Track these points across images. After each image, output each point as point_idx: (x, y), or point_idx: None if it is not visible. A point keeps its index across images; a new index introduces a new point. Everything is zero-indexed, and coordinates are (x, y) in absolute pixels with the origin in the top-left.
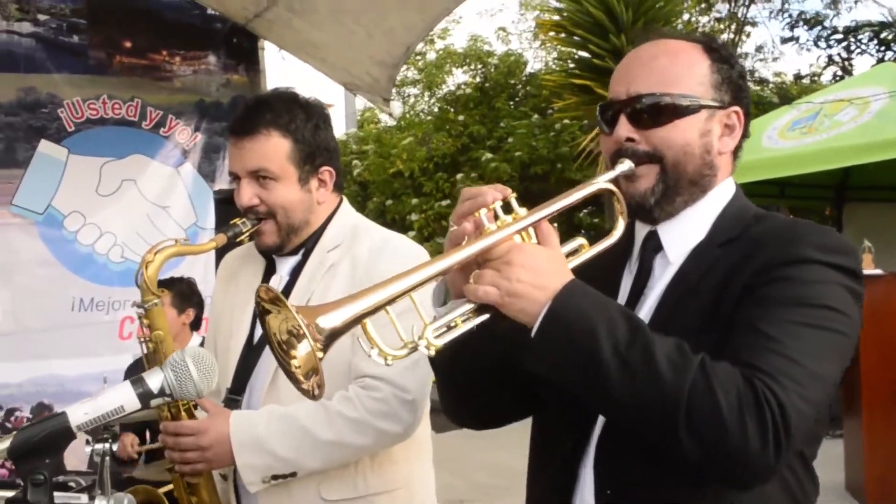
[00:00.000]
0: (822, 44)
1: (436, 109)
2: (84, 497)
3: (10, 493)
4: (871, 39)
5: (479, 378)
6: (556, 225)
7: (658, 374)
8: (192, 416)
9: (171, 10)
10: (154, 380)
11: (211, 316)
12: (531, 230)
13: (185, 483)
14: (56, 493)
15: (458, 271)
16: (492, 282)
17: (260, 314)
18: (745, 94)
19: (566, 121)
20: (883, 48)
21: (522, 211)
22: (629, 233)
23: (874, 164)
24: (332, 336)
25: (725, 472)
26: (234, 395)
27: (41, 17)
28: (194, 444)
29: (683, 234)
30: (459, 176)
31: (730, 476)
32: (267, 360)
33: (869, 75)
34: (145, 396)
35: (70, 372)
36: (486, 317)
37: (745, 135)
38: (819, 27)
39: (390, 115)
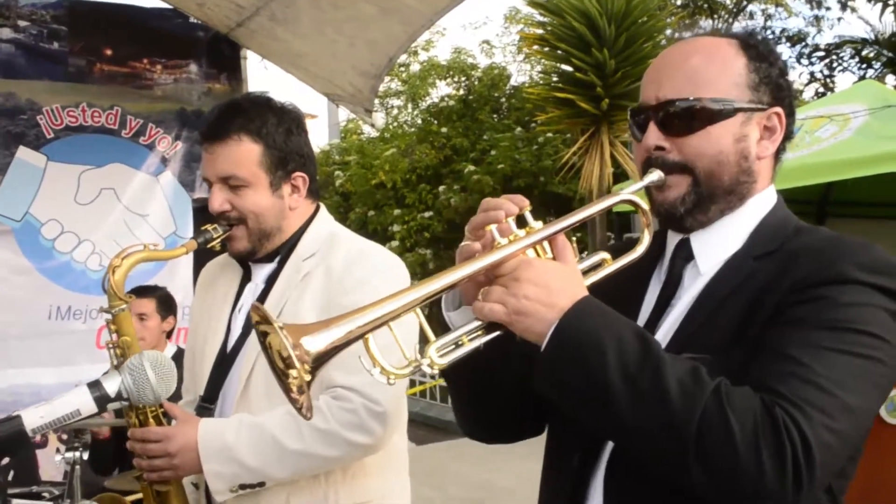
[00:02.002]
0: (805, 61)
1: (419, 121)
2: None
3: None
4: (852, 57)
5: (492, 392)
6: (574, 239)
7: (668, 399)
8: (160, 423)
9: (153, 18)
10: (111, 384)
11: (190, 323)
12: (546, 245)
13: (154, 491)
14: (20, 501)
15: (470, 284)
16: (499, 299)
17: (261, 336)
18: (786, 93)
19: (549, 134)
20: (864, 65)
21: (538, 224)
22: (661, 239)
23: (854, 180)
24: (321, 358)
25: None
26: (207, 404)
27: (21, 23)
28: (162, 451)
29: (717, 244)
30: (442, 188)
31: None
32: (239, 368)
33: (850, 92)
34: (102, 400)
35: (47, 380)
36: (494, 335)
37: (788, 136)
38: (801, 44)
39: (372, 125)
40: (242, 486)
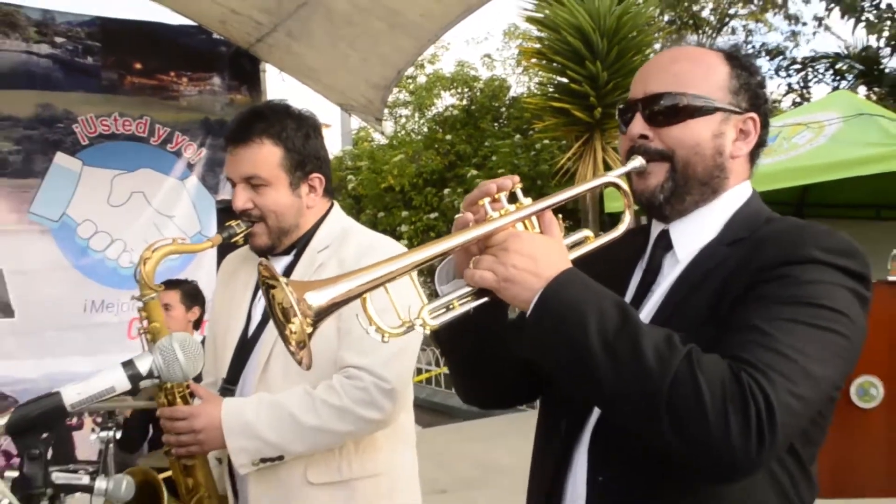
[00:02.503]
0: (783, 73)
1: (425, 129)
2: (85, 477)
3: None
4: (827, 69)
5: (487, 359)
6: (560, 216)
7: (643, 363)
8: (187, 402)
9: (179, 34)
10: (143, 363)
11: (211, 312)
12: (535, 220)
13: (182, 465)
14: (60, 473)
15: (462, 254)
16: (489, 267)
17: (265, 289)
18: (763, 103)
19: (546, 141)
20: (838, 77)
21: (527, 201)
22: (646, 234)
23: (829, 183)
24: (322, 312)
25: (706, 464)
26: (229, 385)
27: (58, 40)
28: (188, 428)
29: (693, 233)
30: (446, 191)
31: (711, 469)
32: (259, 352)
33: (824, 102)
34: (135, 378)
35: (82, 368)
36: (482, 301)
37: (762, 142)
38: (780, 58)
39: (382, 133)
40: (263, 460)
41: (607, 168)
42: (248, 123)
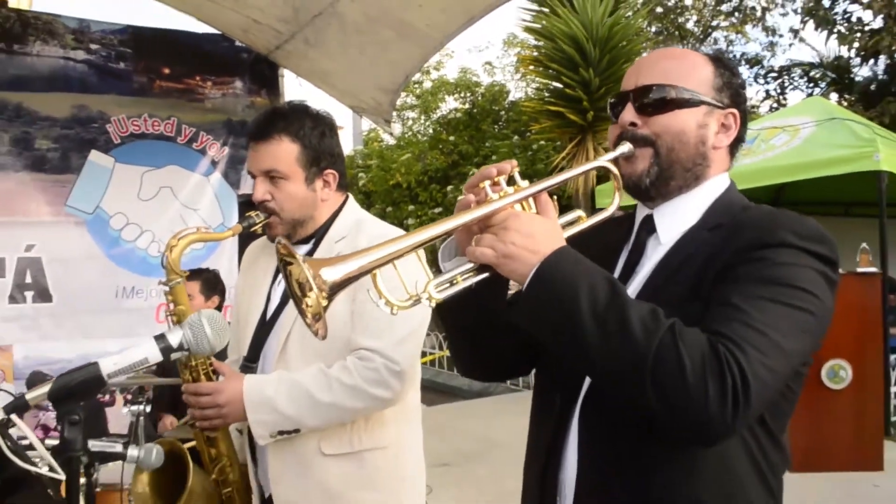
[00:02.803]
0: (761, 80)
1: (430, 131)
2: (118, 446)
3: None
4: (801, 77)
5: (486, 333)
6: (555, 198)
7: (630, 333)
8: (210, 379)
9: (204, 42)
10: (174, 336)
11: (234, 296)
12: (531, 201)
13: (206, 437)
14: (95, 442)
15: (464, 233)
16: (489, 244)
17: (283, 266)
18: (743, 101)
19: (542, 142)
20: (812, 85)
21: (525, 184)
22: (631, 221)
23: (803, 182)
24: (336, 287)
25: (686, 428)
26: (250, 363)
27: (93, 47)
28: (212, 402)
29: (676, 218)
30: (450, 188)
31: (690, 432)
32: (278, 333)
33: (799, 107)
34: (166, 350)
35: (114, 349)
36: (484, 276)
37: (741, 137)
38: (758, 66)
39: (391, 134)
40: (280, 433)
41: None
42: (269, 122)
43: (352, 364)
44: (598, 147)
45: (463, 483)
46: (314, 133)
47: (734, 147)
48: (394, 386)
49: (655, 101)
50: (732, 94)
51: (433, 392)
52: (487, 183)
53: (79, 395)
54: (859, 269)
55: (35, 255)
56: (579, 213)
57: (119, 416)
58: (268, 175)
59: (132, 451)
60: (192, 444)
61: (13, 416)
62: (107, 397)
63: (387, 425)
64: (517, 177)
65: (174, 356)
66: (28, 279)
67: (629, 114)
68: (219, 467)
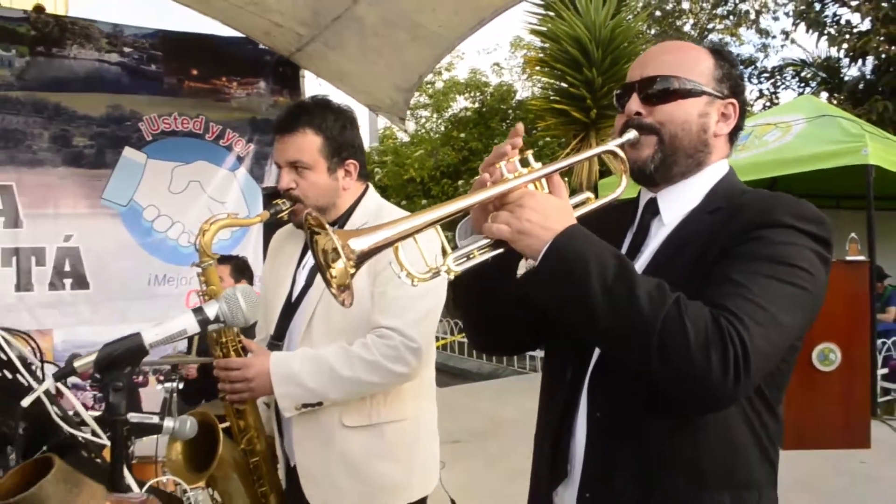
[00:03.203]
0: (754, 80)
1: (442, 128)
2: (155, 418)
3: None
4: (793, 77)
5: (496, 310)
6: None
7: (637, 305)
8: (239, 355)
9: (230, 45)
10: (211, 309)
11: (262, 280)
12: (544, 181)
13: (235, 409)
14: (131, 414)
15: (480, 211)
16: (505, 220)
17: (310, 235)
18: (741, 91)
19: (547, 139)
20: (803, 84)
21: (538, 165)
22: (635, 205)
23: (795, 176)
24: (363, 256)
25: (689, 395)
26: (276, 341)
27: (126, 50)
28: (241, 377)
29: (679, 201)
30: (461, 182)
31: (693, 399)
32: (303, 313)
33: (791, 105)
34: (203, 322)
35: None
36: (500, 251)
37: (739, 126)
38: (751, 67)
39: (405, 131)
40: (304, 405)
41: (601, 162)
42: (294, 115)
43: (372, 341)
44: (600, 143)
45: (474, 459)
46: (336, 125)
47: (733, 135)
48: (411, 362)
49: (660, 92)
50: (732, 84)
51: (445, 374)
52: (503, 163)
53: (122, 362)
54: (848, 258)
55: (73, 245)
56: (588, 194)
57: (152, 396)
58: (293, 165)
59: (168, 423)
60: (225, 424)
61: (60, 386)
62: (140, 378)
63: (405, 400)
64: (531, 159)
65: (210, 328)
66: (67, 267)
67: (635, 103)
68: (247, 438)
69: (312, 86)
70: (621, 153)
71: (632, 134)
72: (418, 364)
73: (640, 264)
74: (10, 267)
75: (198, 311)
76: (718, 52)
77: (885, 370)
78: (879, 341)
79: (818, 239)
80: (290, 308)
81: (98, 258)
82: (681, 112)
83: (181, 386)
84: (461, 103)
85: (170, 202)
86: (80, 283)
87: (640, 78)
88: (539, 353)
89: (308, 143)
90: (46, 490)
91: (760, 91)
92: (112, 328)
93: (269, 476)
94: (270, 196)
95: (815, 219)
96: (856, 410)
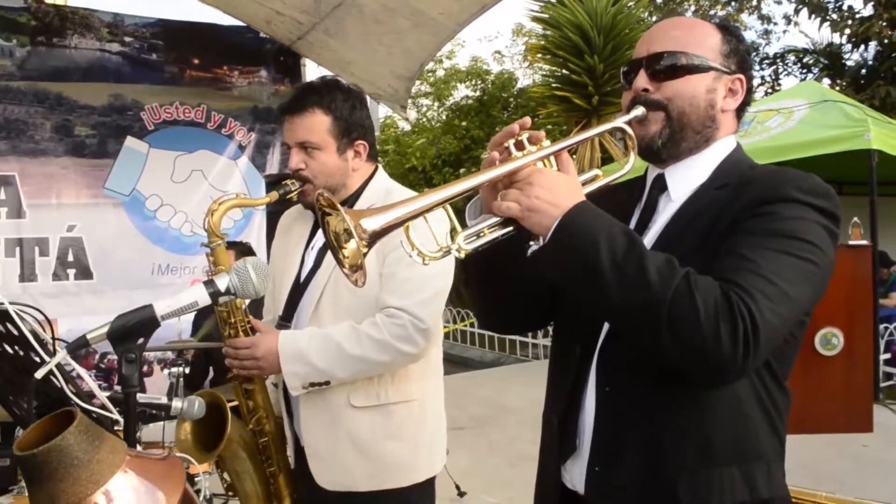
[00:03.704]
0: (756, 67)
1: (443, 117)
2: (163, 398)
3: None
4: (795, 63)
5: (508, 289)
6: (575, 156)
7: (647, 280)
8: (248, 335)
9: (231, 33)
10: (222, 281)
11: (271, 259)
12: (552, 159)
13: (243, 389)
14: (139, 395)
15: (489, 190)
16: (515, 198)
17: (321, 216)
18: (749, 67)
19: (549, 126)
20: (805, 70)
21: (546, 143)
22: (643, 183)
23: (798, 161)
24: (375, 235)
25: (699, 369)
26: (285, 322)
27: (127, 39)
28: (250, 355)
29: (686, 177)
30: (462, 171)
31: (703, 373)
32: (311, 293)
33: (793, 91)
34: (215, 294)
35: None
36: (509, 228)
37: (747, 101)
38: (754, 53)
39: (407, 120)
40: (312, 385)
41: (603, 149)
42: (304, 95)
43: (380, 320)
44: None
45: (477, 445)
46: (345, 106)
47: (741, 111)
48: (419, 342)
49: (667, 68)
50: (739, 60)
51: (448, 363)
52: (511, 141)
53: (135, 334)
54: (850, 242)
55: (76, 235)
56: (597, 171)
57: (156, 386)
58: (302, 146)
59: (176, 403)
60: (234, 403)
61: (71, 360)
62: (145, 368)
63: (412, 380)
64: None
65: (221, 299)
66: (70, 258)
67: (642, 80)
68: (255, 418)
69: (313, 74)
70: (629, 129)
71: (639, 110)
72: (426, 344)
73: (648, 240)
74: (13, 257)
75: (209, 283)
76: (725, 27)
77: (888, 355)
78: (882, 326)
79: (826, 213)
80: (298, 289)
81: (101, 248)
82: (688, 88)
83: (187, 370)
84: (462, 92)
85: (172, 191)
86: (84, 273)
87: (647, 54)
88: (542, 341)
89: (317, 123)
90: (69, 440)
91: (762, 78)
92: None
93: (278, 456)
94: (273, 184)
95: (824, 193)
96: (858, 395)
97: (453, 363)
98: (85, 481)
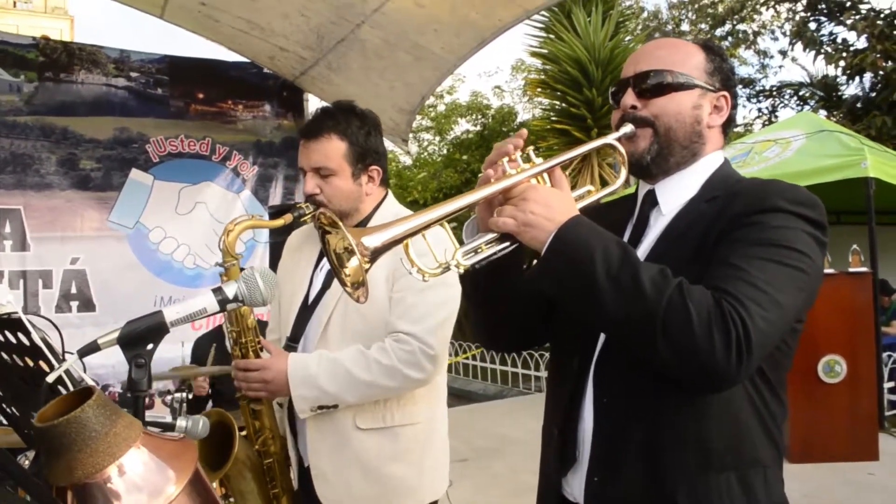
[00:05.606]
0: (753, 100)
1: (444, 151)
2: (168, 418)
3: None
4: (791, 96)
5: (506, 306)
6: (568, 172)
7: (642, 290)
8: (258, 356)
9: (235, 69)
10: (230, 289)
11: (279, 279)
12: (546, 176)
13: (251, 410)
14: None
15: (485, 208)
16: (510, 214)
17: (321, 234)
18: (733, 84)
19: None
20: (801, 103)
21: (539, 160)
22: (634, 199)
23: None
24: (377, 252)
25: (694, 377)
26: (293, 343)
27: (133, 74)
28: (259, 378)
29: (676, 191)
30: None
31: (698, 380)
32: (319, 315)
33: (790, 122)
34: (223, 301)
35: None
36: (506, 244)
37: (731, 118)
38: (751, 87)
39: (408, 153)
40: (320, 407)
41: (603, 182)
42: (320, 121)
43: (389, 346)
44: (602, 162)
45: (480, 477)
46: (361, 132)
47: (726, 126)
48: (427, 368)
49: (653, 86)
50: (723, 77)
51: (451, 396)
52: (505, 160)
53: (145, 340)
54: (850, 270)
55: (80, 268)
56: (590, 187)
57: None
58: (317, 171)
59: (181, 422)
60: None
61: (77, 364)
62: (147, 400)
63: (418, 403)
64: (532, 155)
65: (229, 307)
66: (73, 290)
67: (630, 98)
68: (262, 439)
69: (316, 108)
70: (619, 146)
71: (628, 127)
72: (434, 370)
73: (640, 253)
74: (17, 289)
75: (217, 290)
76: (709, 47)
77: (892, 383)
78: (885, 354)
79: (813, 222)
80: (306, 310)
81: (104, 280)
82: (674, 104)
83: (190, 396)
84: (463, 126)
85: (176, 224)
86: (87, 305)
87: (633, 73)
88: (543, 374)
89: (333, 149)
90: (87, 413)
91: (759, 110)
92: (117, 350)
93: (282, 477)
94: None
95: (810, 203)
96: (863, 422)
97: (456, 396)
98: (102, 453)
